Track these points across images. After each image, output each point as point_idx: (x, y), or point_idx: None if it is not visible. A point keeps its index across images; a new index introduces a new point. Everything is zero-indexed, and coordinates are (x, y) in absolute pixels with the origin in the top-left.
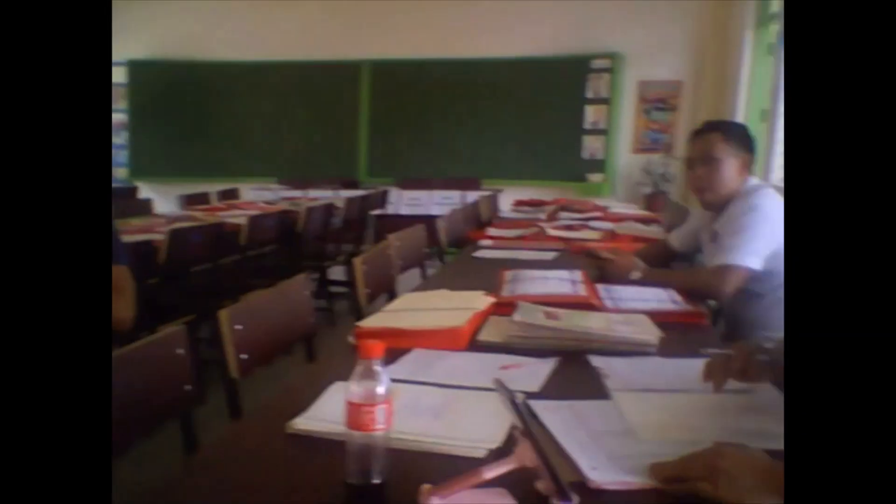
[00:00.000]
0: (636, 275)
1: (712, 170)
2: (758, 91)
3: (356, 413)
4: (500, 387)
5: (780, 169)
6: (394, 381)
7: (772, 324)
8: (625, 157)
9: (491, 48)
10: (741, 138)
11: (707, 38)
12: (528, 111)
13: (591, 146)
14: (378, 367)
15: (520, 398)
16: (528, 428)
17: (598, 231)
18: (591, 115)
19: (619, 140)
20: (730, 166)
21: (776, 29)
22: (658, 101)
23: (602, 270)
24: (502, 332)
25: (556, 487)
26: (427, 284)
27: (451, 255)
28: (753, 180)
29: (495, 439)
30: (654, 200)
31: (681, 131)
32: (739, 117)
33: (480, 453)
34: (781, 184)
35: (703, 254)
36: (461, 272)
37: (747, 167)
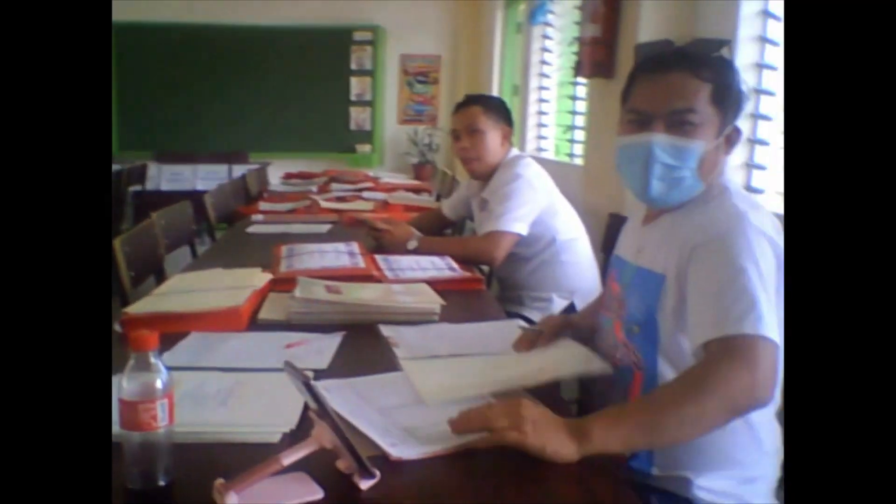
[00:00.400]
0: (412, 244)
1: (477, 141)
2: (509, 67)
3: (132, 412)
4: (290, 368)
5: (535, 140)
6: (172, 369)
7: (539, 285)
8: (391, 128)
9: (254, 15)
10: (500, 111)
11: (462, 15)
12: (295, 82)
13: (358, 117)
14: (154, 359)
15: (311, 377)
16: (325, 408)
17: (370, 201)
18: (356, 86)
19: (385, 111)
20: (492, 137)
21: (524, 8)
22: (420, 74)
23: (379, 241)
24: (283, 309)
25: (358, 465)
26: (198, 264)
27: (222, 231)
28: (514, 151)
29: (290, 422)
30: (421, 170)
31: (442, 103)
32: (494, 91)
33: (275, 438)
34: (536, 154)
35: (475, 221)
36: (234, 249)
37: (508, 138)
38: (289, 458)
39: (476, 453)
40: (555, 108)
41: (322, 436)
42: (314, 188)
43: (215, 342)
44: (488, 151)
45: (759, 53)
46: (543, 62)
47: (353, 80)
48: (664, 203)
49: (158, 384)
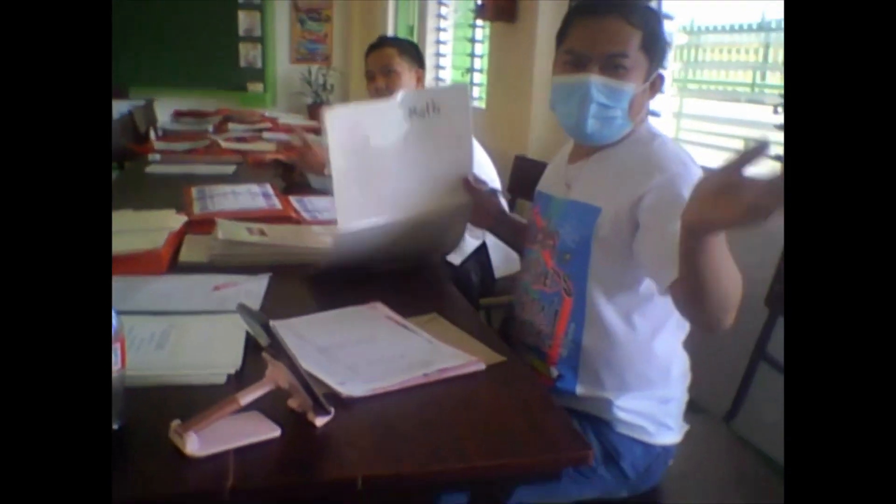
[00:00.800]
0: (328, 171)
1: (392, 81)
2: (404, 7)
3: None
4: (245, 310)
5: (433, 83)
6: None
7: None
8: (284, 66)
9: None
10: (414, 54)
11: None
12: (177, 12)
13: (248, 54)
14: None
15: (268, 319)
16: (282, 349)
17: (272, 143)
18: (245, 21)
19: (277, 49)
20: (408, 79)
21: None
22: (311, 11)
23: (298, 160)
24: (203, 251)
25: (314, 402)
26: None
27: (115, 171)
28: None
29: (234, 363)
30: (316, 110)
31: (336, 42)
32: (389, 30)
33: (221, 379)
34: None
35: None
36: (136, 190)
37: (422, 82)
38: (246, 398)
39: (423, 387)
40: (452, 49)
41: (277, 375)
42: (210, 128)
43: (137, 285)
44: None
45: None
46: (440, 2)
47: (242, 15)
48: (597, 140)
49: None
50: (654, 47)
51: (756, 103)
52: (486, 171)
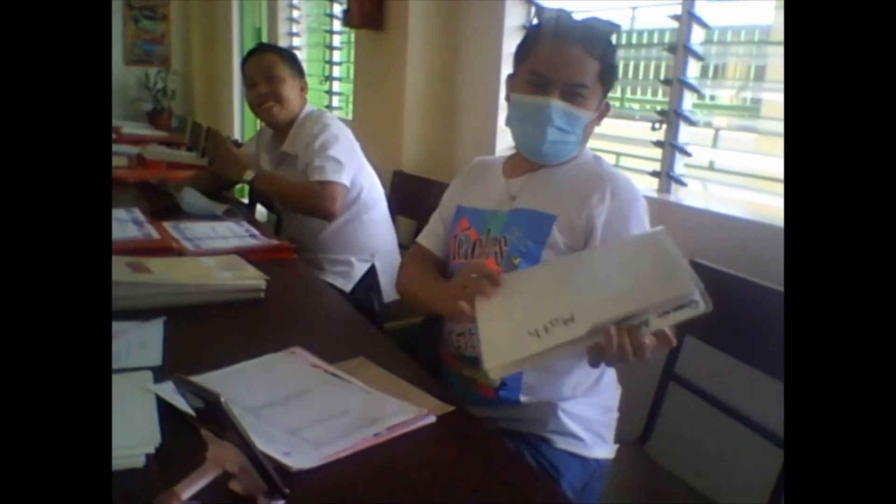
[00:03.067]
0: (249, 175)
1: (275, 86)
2: (250, 7)
3: None
4: (185, 385)
5: None
6: None
7: (339, 247)
8: (118, 68)
9: None
10: (295, 64)
11: None
12: None
13: None
14: None
15: (221, 397)
16: (238, 428)
17: (122, 156)
18: None
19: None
20: (292, 87)
21: None
22: (146, 9)
23: (217, 162)
24: None
25: (268, 485)
26: None
27: None
28: (311, 106)
29: (152, 439)
30: (157, 118)
31: (175, 43)
32: (235, 32)
33: (139, 462)
34: None
35: None
36: None
37: (305, 91)
38: (188, 490)
39: (375, 448)
40: (307, 56)
41: (222, 457)
42: None
43: None
44: (287, 98)
45: None
46: (292, 5)
47: None
48: (549, 160)
49: None
50: (609, 77)
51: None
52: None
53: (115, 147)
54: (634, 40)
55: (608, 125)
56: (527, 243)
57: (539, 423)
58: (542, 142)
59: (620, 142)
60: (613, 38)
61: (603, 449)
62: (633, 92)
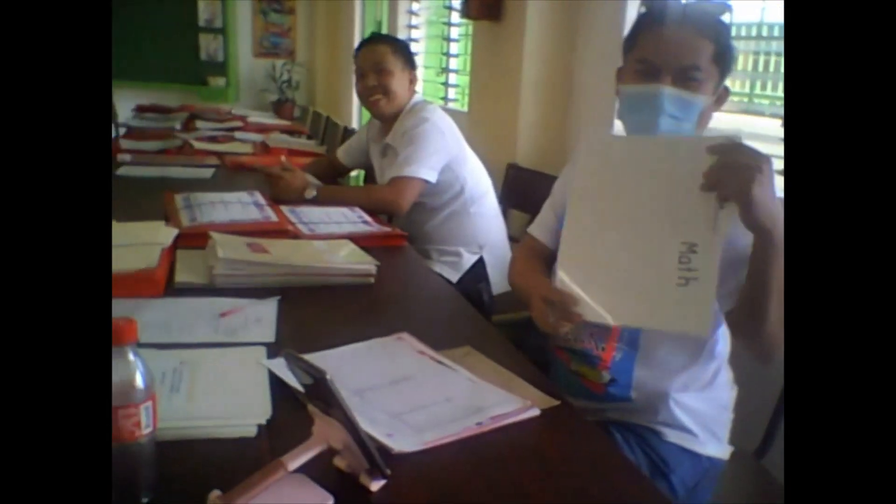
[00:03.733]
0: (311, 193)
1: (384, 80)
2: (372, 2)
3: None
4: (297, 361)
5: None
6: None
7: (447, 238)
8: (247, 60)
9: None
10: (407, 54)
11: None
12: (133, 0)
13: (209, 46)
14: (133, 354)
15: (328, 375)
16: (342, 405)
17: (247, 143)
18: (205, 9)
19: (239, 42)
20: (401, 80)
21: None
22: (274, 2)
23: (273, 188)
24: (200, 270)
25: (371, 464)
26: None
27: None
28: (419, 97)
29: (264, 411)
30: (281, 108)
31: (300, 36)
32: (357, 25)
33: (252, 431)
34: None
35: (375, 169)
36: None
37: (414, 83)
38: (294, 462)
39: (476, 437)
40: (425, 48)
41: (328, 433)
42: (177, 125)
43: (132, 311)
44: (395, 92)
45: None
46: None
47: (202, 4)
48: None
49: (139, 383)
50: (726, 58)
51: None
52: (480, 175)
53: (240, 135)
54: (765, 33)
55: (733, 121)
56: None
57: (649, 413)
58: (654, 132)
59: (748, 138)
60: (727, 18)
61: (716, 447)
62: (763, 87)
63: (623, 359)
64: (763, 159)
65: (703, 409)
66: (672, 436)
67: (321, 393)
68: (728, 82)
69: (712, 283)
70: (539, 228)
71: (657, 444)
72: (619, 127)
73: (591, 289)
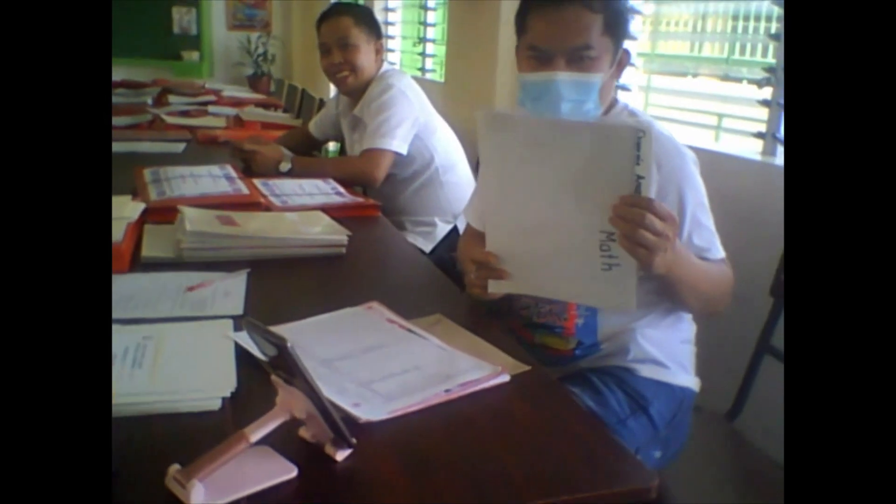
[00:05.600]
0: (285, 166)
1: (349, 55)
2: None
3: None
4: (256, 329)
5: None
6: None
7: (421, 208)
8: (220, 33)
9: None
10: (371, 23)
11: None
12: None
13: (182, 20)
14: None
15: (288, 342)
16: (304, 373)
17: (220, 117)
18: None
19: (213, 14)
20: (366, 52)
21: None
22: None
23: (247, 162)
24: (168, 244)
25: (335, 434)
26: None
27: None
28: (387, 66)
29: (228, 384)
30: (257, 82)
31: (276, 7)
32: None
33: (216, 405)
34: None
35: (346, 142)
36: None
37: (381, 53)
38: (257, 434)
39: (446, 404)
40: (401, 17)
41: (291, 403)
42: (149, 101)
43: None
44: (362, 66)
45: None
46: None
47: None
48: None
49: None
50: (618, 27)
51: (730, 80)
52: (450, 145)
53: (214, 109)
54: None
55: (709, 86)
56: None
57: (621, 354)
58: (559, 117)
59: (721, 101)
60: None
61: (686, 378)
62: (742, 52)
63: (586, 322)
64: (668, 226)
65: (669, 340)
66: (645, 370)
67: (283, 362)
68: (628, 44)
69: (633, 265)
70: (470, 212)
71: (632, 381)
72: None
73: (520, 264)
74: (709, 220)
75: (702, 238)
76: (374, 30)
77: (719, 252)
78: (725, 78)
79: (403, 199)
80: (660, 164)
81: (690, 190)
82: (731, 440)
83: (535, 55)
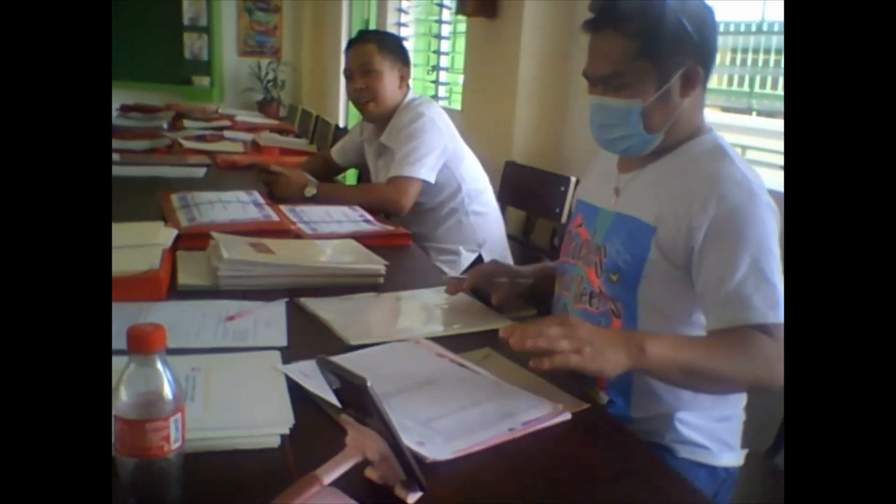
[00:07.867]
0: (311, 191)
1: (372, 81)
2: (359, 1)
3: (137, 433)
4: (330, 367)
5: None
6: None
7: (446, 237)
8: (231, 59)
9: None
10: (397, 50)
11: None
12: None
13: (194, 45)
14: (161, 363)
15: (368, 382)
16: (383, 414)
17: (237, 142)
18: (190, 8)
19: (224, 40)
20: (390, 79)
21: None
22: (260, 1)
23: (272, 187)
24: (203, 271)
25: (409, 476)
26: None
27: None
28: (413, 93)
29: (285, 420)
30: (267, 107)
31: (286, 35)
32: (343, 23)
33: (275, 442)
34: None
35: (370, 169)
36: None
37: (406, 80)
38: (330, 476)
39: (509, 443)
40: (414, 46)
41: (362, 444)
42: (164, 125)
43: (135, 315)
44: (385, 93)
45: None
46: None
47: (186, 2)
48: (625, 153)
49: (168, 393)
50: (659, 49)
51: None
52: (477, 173)
53: (231, 134)
54: (765, 28)
55: (733, 120)
56: (626, 258)
57: (656, 433)
58: (600, 141)
59: (747, 133)
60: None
61: (730, 456)
62: (763, 85)
63: (619, 379)
64: (585, 334)
65: (710, 425)
66: (684, 451)
67: (357, 401)
68: (718, 57)
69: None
70: None
71: (670, 461)
72: None
73: None
74: (776, 277)
75: (759, 292)
76: (399, 57)
77: (766, 317)
78: (748, 110)
79: (428, 228)
80: (721, 200)
81: (749, 230)
82: (772, 477)
83: (587, 80)
